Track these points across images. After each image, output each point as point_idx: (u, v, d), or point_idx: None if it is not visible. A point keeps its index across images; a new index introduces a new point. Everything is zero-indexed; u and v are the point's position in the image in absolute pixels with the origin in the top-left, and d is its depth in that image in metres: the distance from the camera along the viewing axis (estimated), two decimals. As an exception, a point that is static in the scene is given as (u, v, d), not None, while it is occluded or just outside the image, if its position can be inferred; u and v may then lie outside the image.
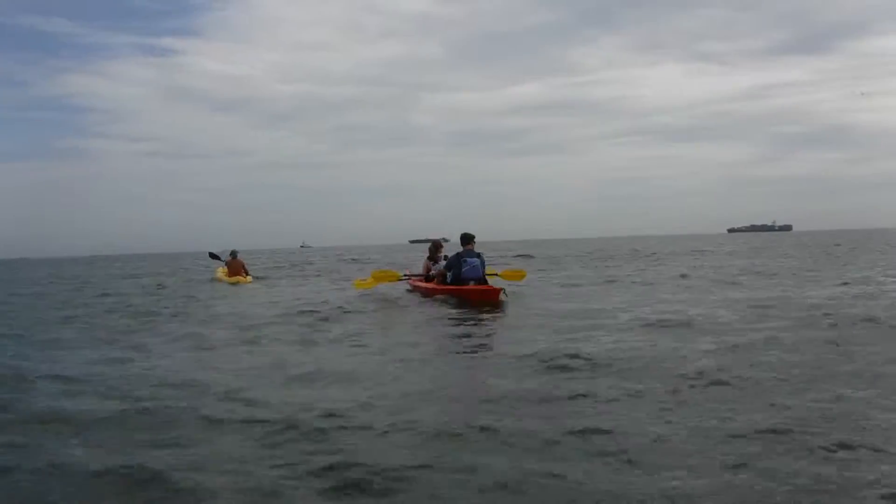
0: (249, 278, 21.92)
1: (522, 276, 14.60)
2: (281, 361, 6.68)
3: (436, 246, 13.96)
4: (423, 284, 13.28)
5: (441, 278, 12.68)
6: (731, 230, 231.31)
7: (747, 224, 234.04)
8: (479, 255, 12.48)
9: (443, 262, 13.11)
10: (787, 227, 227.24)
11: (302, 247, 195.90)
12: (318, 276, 25.26)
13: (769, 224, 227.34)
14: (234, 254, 21.97)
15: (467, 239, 12.50)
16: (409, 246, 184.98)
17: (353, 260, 42.09)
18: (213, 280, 23.07)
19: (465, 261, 12.27)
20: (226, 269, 22.53)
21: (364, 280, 14.70)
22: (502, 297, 11.63)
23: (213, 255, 25.78)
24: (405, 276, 14.62)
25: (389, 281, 14.48)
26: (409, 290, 14.10)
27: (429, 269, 13.65)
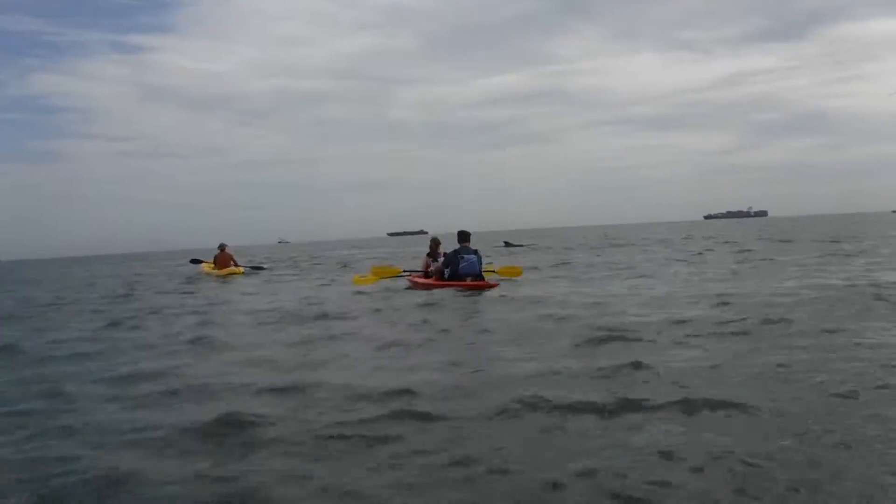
0: (241, 269, 22.21)
1: (519, 274, 14.43)
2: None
3: (435, 243, 13.90)
4: (423, 280, 13.18)
5: (439, 275, 12.63)
6: (707, 217, 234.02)
7: (724, 211, 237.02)
8: (475, 252, 12.50)
9: (441, 259, 13.02)
10: (763, 213, 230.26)
11: (280, 242, 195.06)
12: (310, 271, 24.86)
13: (745, 210, 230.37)
14: (222, 247, 22.25)
15: (464, 236, 12.47)
16: (388, 239, 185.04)
17: (342, 266, 41.50)
18: (203, 275, 22.97)
19: (463, 257, 12.30)
20: (212, 263, 22.66)
21: (364, 276, 14.66)
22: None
23: (195, 261, 25.74)
24: (405, 272, 14.52)
25: (389, 277, 14.40)
26: (407, 287, 13.80)
27: (428, 266, 13.58)
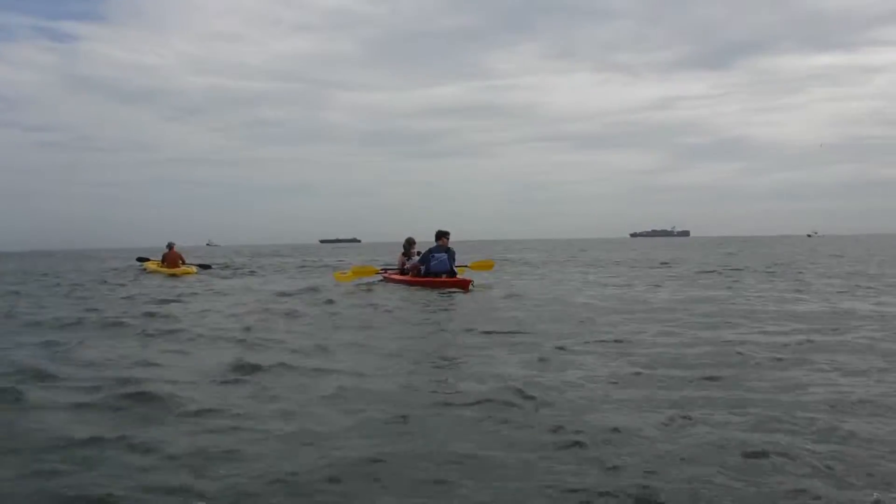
0: (193, 268, 22.19)
1: (491, 267, 16.05)
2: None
3: (409, 243, 15.12)
4: (399, 277, 14.38)
5: (416, 272, 13.89)
6: (633, 234, 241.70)
7: (649, 229, 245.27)
8: (447, 251, 13.69)
9: (415, 258, 14.31)
10: (686, 233, 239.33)
11: (208, 245, 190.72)
12: (255, 272, 25.27)
13: (669, 229, 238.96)
14: (170, 245, 22.16)
15: (440, 235, 13.68)
16: (320, 246, 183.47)
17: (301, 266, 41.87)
18: (147, 273, 22.82)
19: (434, 256, 13.58)
20: (158, 262, 22.80)
21: (344, 273, 15.83)
22: (471, 287, 12.85)
23: (141, 259, 25.75)
24: (382, 270, 15.71)
25: (367, 275, 15.54)
26: (381, 282, 15.02)
27: (403, 264, 14.82)
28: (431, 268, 13.45)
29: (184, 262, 22.04)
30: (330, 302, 11.22)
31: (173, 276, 20.71)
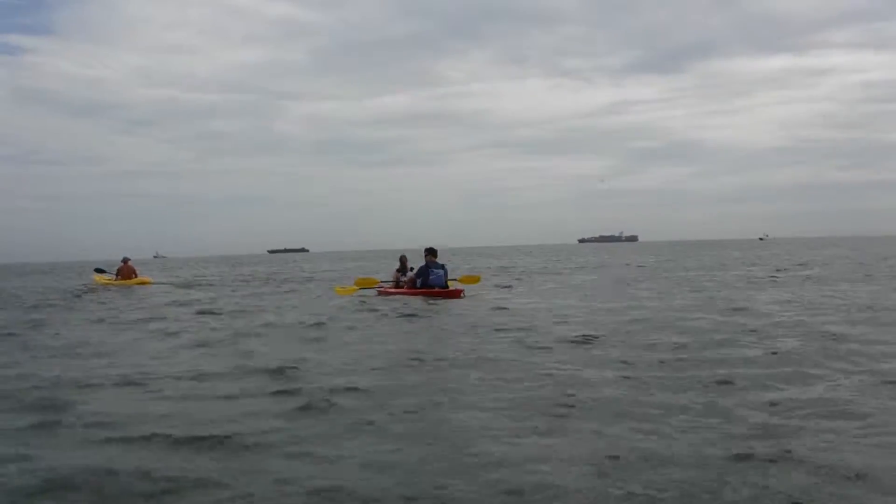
0: (149, 278, 24.28)
1: (478, 280, 16.85)
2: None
3: (404, 260, 16.11)
4: (395, 291, 15.14)
5: (411, 285, 14.69)
6: (581, 240, 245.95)
7: (597, 235, 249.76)
8: (442, 267, 14.62)
9: (410, 273, 15.16)
10: (634, 238, 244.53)
11: (155, 257, 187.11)
12: (215, 284, 25.55)
13: (616, 235, 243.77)
14: (125, 260, 23.77)
15: (432, 252, 14.56)
16: (268, 256, 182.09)
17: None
18: (98, 285, 23.78)
19: (432, 271, 14.44)
20: (112, 276, 23.85)
21: (345, 287, 16.62)
22: (462, 296, 14.07)
23: (99, 270, 26.14)
24: (381, 284, 16.38)
25: (368, 287, 16.20)
26: (378, 296, 15.62)
27: (398, 279, 15.69)
28: (430, 281, 14.23)
29: (136, 275, 23.46)
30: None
31: (127, 286, 22.15)
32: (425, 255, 14.53)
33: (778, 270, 23.73)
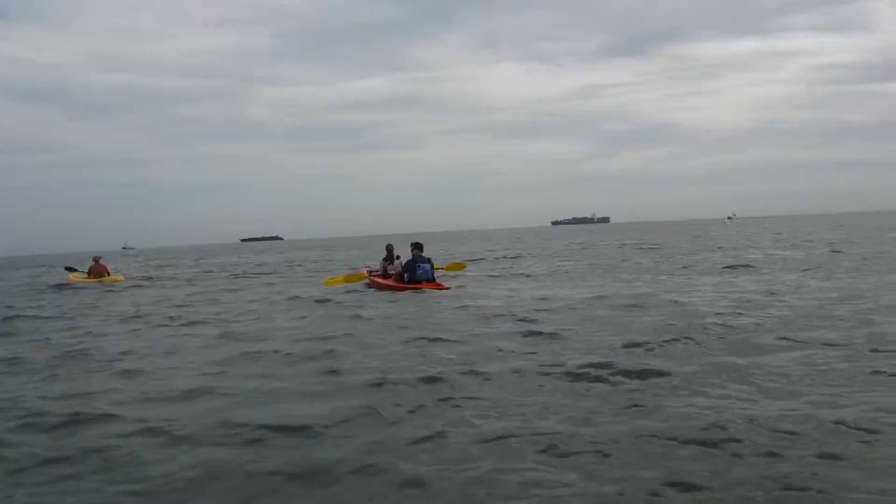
0: (120, 277, 24.06)
1: (463, 267, 16.96)
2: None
3: (390, 249, 16.51)
4: (384, 282, 15.29)
5: (399, 278, 14.73)
6: (554, 223, 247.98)
7: (570, 217, 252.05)
8: (429, 260, 14.73)
9: (398, 263, 15.37)
10: (606, 219, 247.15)
11: (124, 249, 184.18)
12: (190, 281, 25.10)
13: (589, 216, 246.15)
14: (96, 259, 23.82)
15: (418, 246, 14.61)
16: (240, 245, 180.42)
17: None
18: (73, 283, 23.33)
19: (419, 266, 14.46)
20: (84, 275, 23.54)
21: (334, 279, 16.85)
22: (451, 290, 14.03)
23: (70, 269, 25.73)
24: (368, 271, 16.81)
25: (357, 281, 16.38)
26: (368, 285, 16.00)
27: (385, 269, 16.00)
28: (417, 276, 14.30)
29: (108, 274, 23.31)
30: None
31: (101, 283, 22.14)
32: (411, 250, 14.62)
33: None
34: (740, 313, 9.09)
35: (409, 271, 14.43)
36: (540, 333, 8.17)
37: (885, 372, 5.59)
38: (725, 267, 17.42)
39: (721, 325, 8.17)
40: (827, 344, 6.79)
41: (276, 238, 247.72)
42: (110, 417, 5.33)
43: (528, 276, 17.80)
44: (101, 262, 23.74)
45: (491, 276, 18.14)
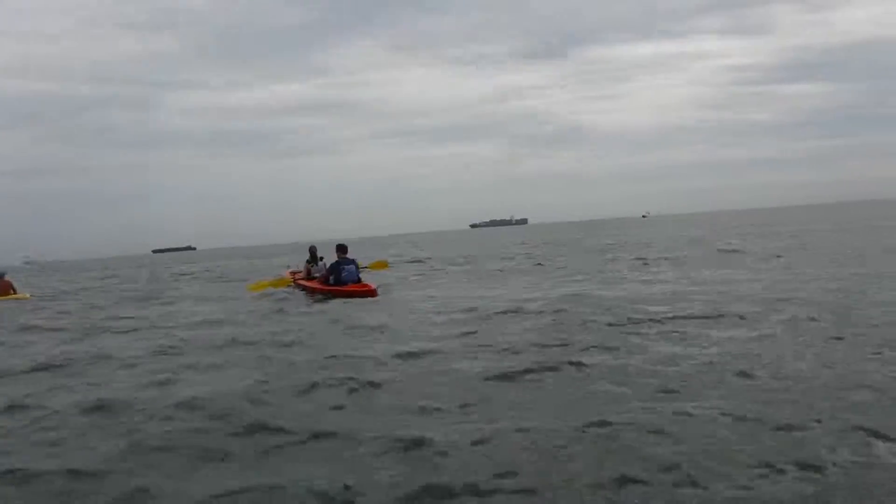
0: (27, 294, 22.73)
1: (386, 266, 17.07)
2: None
3: (314, 251, 16.42)
4: (309, 284, 15.28)
5: (324, 280, 14.69)
6: (473, 225, 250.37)
7: (488, 219, 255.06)
8: (353, 261, 14.74)
9: (322, 265, 15.48)
10: (524, 221, 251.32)
11: (27, 263, 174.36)
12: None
13: (507, 219, 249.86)
14: (1, 274, 22.24)
15: (342, 248, 14.73)
16: (152, 256, 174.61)
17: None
18: None
19: (343, 268, 14.48)
20: None
21: (258, 283, 16.63)
22: (379, 292, 13.90)
23: None
24: (291, 273, 16.83)
25: (282, 285, 16.34)
26: (291, 289, 15.99)
27: (309, 271, 15.98)
28: (342, 278, 14.25)
29: (14, 291, 22.03)
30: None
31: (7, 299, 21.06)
32: (336, 252, 14.61)
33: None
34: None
35: (334, 273, 14.38)
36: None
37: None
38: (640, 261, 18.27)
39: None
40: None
41: (189, 248, 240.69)
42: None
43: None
44: (6, 278, 22.06)
45: (414, 279, 18.31)
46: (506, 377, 5.79)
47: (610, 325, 8.04)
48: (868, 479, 3.39)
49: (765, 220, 60.21)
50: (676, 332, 7.37)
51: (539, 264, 20.57)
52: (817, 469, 3.52)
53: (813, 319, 7.57)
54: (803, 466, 3.55)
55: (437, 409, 4.98)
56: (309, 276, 15.72)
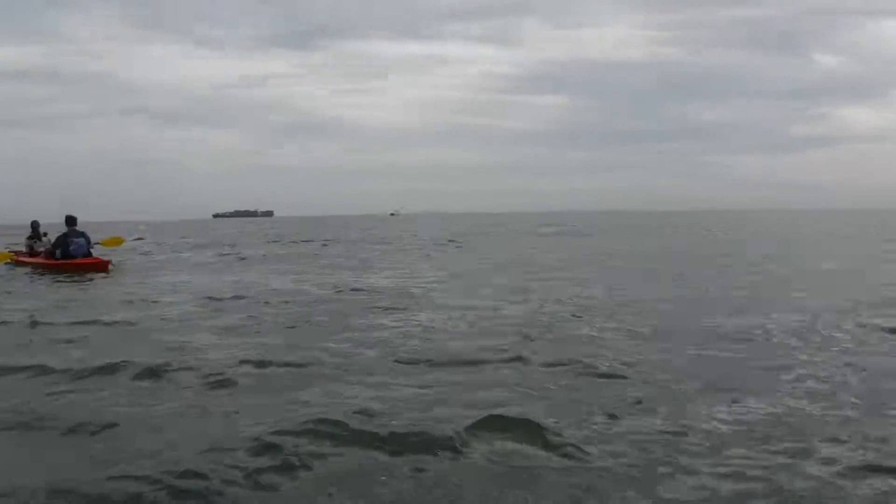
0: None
1: (121, 243, 17.01)
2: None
3: (35, 226, 15.83)
4: (32, 259, 14.77)
5: (49, 255, 14.37)
6: (216, 215, 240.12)
7: (232, 210, 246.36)
8: (83, 234, 14.52)
9: (46, 240, 15.01)
10: (269, 213, 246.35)
11: None
12: None
13: (252, 210, 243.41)
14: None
15: (71, 220, 14.39)
16: None
17: None
18: None
19: (72, 241, 14.24)
20: None
21: None
22: (110, 267, 14.04)
23: None
24: (14, 253, 15.78)
25: (2, 261, 15.39)
26: (9, 265, 15.14)
27: (32, 247, 15.35)
28: (70, 252, 14.05)
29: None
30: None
31: None
32: (66, 224, 14.30)
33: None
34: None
35: (60, 247, 14.08)
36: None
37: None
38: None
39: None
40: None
41: None
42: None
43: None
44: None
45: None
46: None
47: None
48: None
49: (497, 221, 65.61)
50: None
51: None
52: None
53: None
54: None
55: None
56: (33, 252, 15.09)
